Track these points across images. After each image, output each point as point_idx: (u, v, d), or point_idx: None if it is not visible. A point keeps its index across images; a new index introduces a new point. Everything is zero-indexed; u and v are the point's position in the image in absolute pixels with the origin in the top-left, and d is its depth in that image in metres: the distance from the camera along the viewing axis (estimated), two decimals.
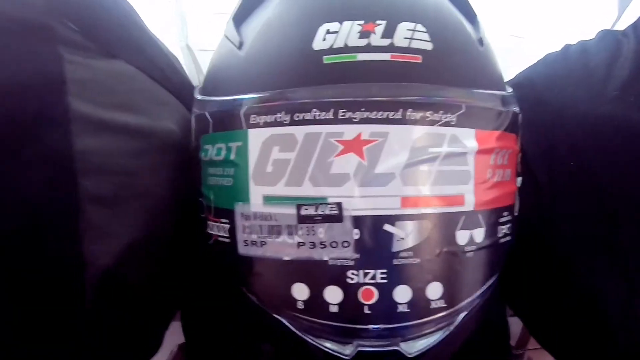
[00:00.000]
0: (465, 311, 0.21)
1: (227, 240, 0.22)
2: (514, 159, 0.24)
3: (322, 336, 0.21)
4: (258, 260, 0.21)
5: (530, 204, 0.27)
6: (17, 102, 0.18)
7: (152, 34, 0.30)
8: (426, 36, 0.21)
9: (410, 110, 0.19)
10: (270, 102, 0.20)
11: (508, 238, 0.23)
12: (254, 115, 0.21)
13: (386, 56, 0.20)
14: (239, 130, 0.21)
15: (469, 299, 0.21)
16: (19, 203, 0.18)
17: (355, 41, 0.20)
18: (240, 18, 0.25)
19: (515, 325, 0.37)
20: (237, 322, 0.25)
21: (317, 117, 0.19)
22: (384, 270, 0.20)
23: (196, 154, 0.24)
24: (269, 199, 0.20)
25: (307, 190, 0.20)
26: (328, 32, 0.20)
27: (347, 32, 0.20)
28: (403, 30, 0.20)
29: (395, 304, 0.20)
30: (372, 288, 0.20)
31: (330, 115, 0.19)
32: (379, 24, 0.20)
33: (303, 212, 0.20)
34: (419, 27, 0.21)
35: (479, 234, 0.21)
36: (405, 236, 0.19)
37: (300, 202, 0.20)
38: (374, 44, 0.20)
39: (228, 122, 0.22)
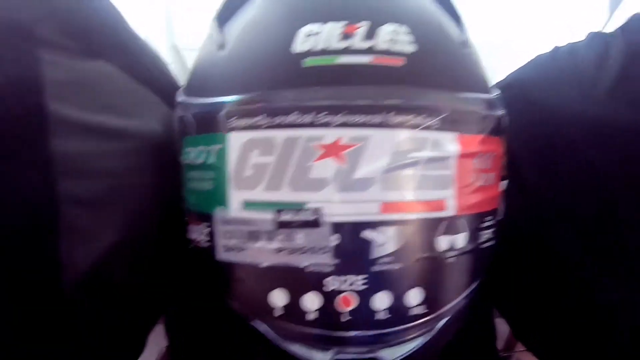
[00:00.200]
0: (447, 316, 0.21)
1: (207, 245, 0.22)
2: (498, 163, 0.24)
3: (301, 343, 0.20)
4: (237, 266, 0.21)
5: (518, 205, 0.26)
6: None
7: (138, 35, 0.30)
8: (409, 38, 0.20)
9: (391, 114, 0.19)
10: (250, 105, 0.20)
11: (491, 242, 0.23)
12: (234, 118, 0.20)
13: (367, 59, 0.20)
14: (218, 133, 0.21)
15: (451, 304, 0.21)
16: None
17: (336, 44, 0.20)
18: (223, 18, 0.24)
19: (505, 327, 0.37)
20: (218, 328, 0.25)
21: (297, 121, 0.19)
22: (364, 277, 0.19)
23: (179, 156, 0.24)
24: (248, 204, 0.20)
25: (286, 195, 0.19)
26: (308, 34, 0.20)
27: (328, 35, 0.20)
28: (385, 32, 0.20)
29: (375, 310, 0.20)
30: (351, 294, 0.19)
31: (309, 119, 0.19)
32: (361, 26, 0.20)
33: (282, 217, 0.19)
34: (403, 28, 0.20)
35: (461, 239, 0.21)
36: (385, 242, 0.19)
37: (279, 207, 0.19)
38: (354, 46, 0.20)
39: (208, 125, 0.21)
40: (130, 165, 0.23)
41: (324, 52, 0.20)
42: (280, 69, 0.20)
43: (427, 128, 0.19)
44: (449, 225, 0.20)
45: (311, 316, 0.20)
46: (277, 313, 0.20)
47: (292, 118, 0.19)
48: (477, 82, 0.23)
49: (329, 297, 0.19)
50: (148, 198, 0.24)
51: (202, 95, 0.23)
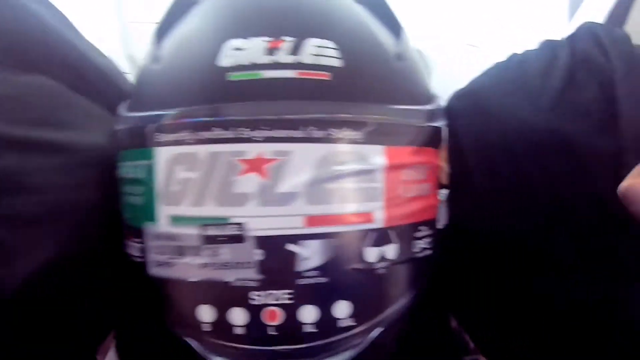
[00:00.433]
0: (379, 328, 0.21)
1: (140, 260, 0.22)
2: (434, 173, 0.24)
3: (230, 358, 0.20)
4: (167, 282, 0.21)
5: (470, 213, 0.27)
6: None
7: (84, 48, 0.29)
8: (336, 53, 0.21)
9: (312, 128, 0.19)
10: (175, 120, 0.20)
11: (428, 252, 0.23)
12: (160, 134, 0.20)
13: (292, 73, 0.20)
14: (147, 148, 0.21)
15: (382, 316, 0.21)
16: None
17: (261, 58, 0.20)
18: (162, 32, 0.24)
19: None
20: (157, 346, 0.25)
21: (220, 136, 0.19)
22: (289, 291, 0.19)
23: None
24: (175, 219, 0.20)
25: (210, 210, 0.19)
26: (233, 48, 0.20)
27: (253, 49, 0.20)
28: (310, 46, 0.20)
29: (301, 324, 0.20)
30: (276, 309, 0.19)
31: (231, 134, 0.19)
32: (287, 41, 0.20)
33: (207, 232, 0.19)
34: (328, 43, 0.21)
35: (391, 250, 0.21)
36: (311, 255, 0.19)
37: (203, 223, 0.19)
38: (280, 61, 0.20)
39: (137, 140, 0.21)
40: (71, 181, 0.23)
41: (250, 66, 0.20)
42: (206, 84, 0.20)
43: (352, 142, 0.20)
44: (378, 237, 0.20)
45: (238, 331, 0.20)
46: (205, 329, 0.20)
47: (215, 133, 0.19)
48: (411, 94, 0.23)
49: (255, 311, 0.19)
50: (90, 214, 0.24)
51: (136, 109, 0.23)
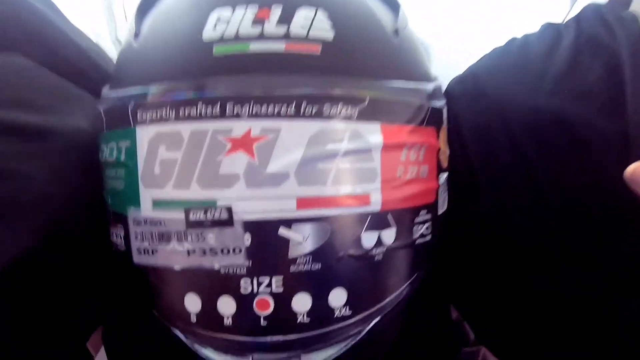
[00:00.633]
0: (376, 317, 0.20)
1: (124, 248, 0.20)
2: (433, 155, 0.22)
3: (219, 350, 0.19)
4: (152, 270, 0.20)
5: (471, 198, 0.26)
6: None
7: (66, 29, 0.28)
8: (327, 24, 0.19)
9: (304, 103, 0.18)
10: (156, 97, 0.19)
11: (427, 238, 0.22)
12: (141, 112, 0.19)
13: (281, 46, 0.18)
14: (127, 128, 0.19)
15: (380, 305, 0.20)
16: None
17: (248, 30, 0.19)
18: (144, 9, 0.23)
19: None
20: (144, 337, 0.24)
21: (204, 113, 0.18)
22: (280, 278, 0.18)
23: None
24: (157, 203, 0.19)
25: (195, 193, 0.18)
26: (219, 20, 0.19)
27: (240, 20, 0.19)
28: (301, 17, 0.19)
29: (294, 313, 0.18)
30: (268, 297, 0.18)
31: (217, 110, 0.18)
32: (275, 10, 0.19)
33: (191, 216, 0.18)
34: (320, 14, 0.19)
35: (389, 235, 0.20)
36: (303, 240, 0.18)
37: (188, 206, 0.18)
38: (267, 32, 0.19)
39: (118, 120, 0.20)
40: (48, 166, 0.22)
41: (236, 38, 0.19)
42: (189, 58, 0.19)
43: (346, 118, 0.18)
44: (375, 221, 0.19)
45: (226, 322, 0.18)
46: (194, 319, 0.19)
47: (198, 110, 0.18)
48: (408, 71, 0.22)
49: (245, 300, 0.18)
50: (71, 203, 0.22)
51: (117, 87, 0.21)
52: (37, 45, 0.25)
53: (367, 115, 0.19)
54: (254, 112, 0.18)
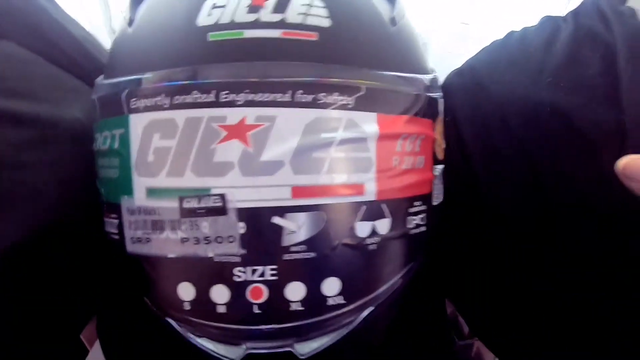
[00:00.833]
0: (370, 307, 0.20)
1: (117, 237, 0.20)
2: (429, 146, 0.22)
3: (213, 338, 0.19)
4: (145, 259, 0.20)
5: (468, 190, 0.26)
6: None
7: (60, 18, 0.28)
8: (324, 12, 0.19)
9: (300, 91, 0.18)
10: (150, 84, 0.18)
11: (422, 229, 0.22)
12: (135, 99, 0.19)
13: (277, 33, 0.18)
14: (120, 116, 0.19)
15: (373, 295, 0.20)
16: None
17: (243, 16, 0.18)
18: None
19: None
20: (138, 327, 0.24)
21: (198, 100, 0.18)
22: (274, 267, 0.18)
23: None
24: (151, 192, 0.19)
25: (189, 181, 0.18)
26: (214, 6, 0.19)
27: (235, 7, 0.19)
28: (297, 4, 0.19)
29: (288, 302, 0.18)
30: (261, 286, 0.18)
31: (211, 97, 0.18)
32: None
33: (185, 204, 0.18)
34: (316, 1, 0.19)
35: (383, 225, 0.20)
36: (297, 229, 0.18)
37: (182, 194, 0.18)
38: (263, 19, 0.18)
39: (111, 108, 0.20)
40: (43, 156, 0.21)
41: (231, 25, 0.18)
42: (184, 45, 0.19)
43: (341, 107, 0.18)
44: (369, 211, 0.19)
45: (220, 310, 0.18)
46: (187, 307, 0.19)
47: (192, 97, 0.18)
48: (404, 61, 0.22)
49: (238, 289, 0.18)
50: (65, 191, 0.22)
51: (110, 76, 0.21)
52: (33, 35, 0.24)
53: (363, 104, 0.19)
54: (248, 99, 0.17)
